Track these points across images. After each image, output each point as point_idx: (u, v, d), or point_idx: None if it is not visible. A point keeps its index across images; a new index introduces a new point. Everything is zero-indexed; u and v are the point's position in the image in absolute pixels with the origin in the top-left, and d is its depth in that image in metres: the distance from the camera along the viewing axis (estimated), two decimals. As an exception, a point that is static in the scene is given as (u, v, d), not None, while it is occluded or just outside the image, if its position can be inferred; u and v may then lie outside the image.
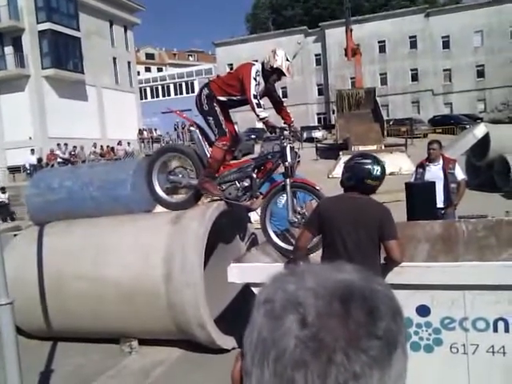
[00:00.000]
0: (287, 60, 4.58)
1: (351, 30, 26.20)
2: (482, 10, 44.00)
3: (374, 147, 22.16)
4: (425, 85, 46.01)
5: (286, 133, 4.38)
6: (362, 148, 22.02)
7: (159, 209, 5.68)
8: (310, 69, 50.36)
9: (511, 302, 2.88)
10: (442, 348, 2.99)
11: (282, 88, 50.61)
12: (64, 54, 30.25)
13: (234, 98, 4.67)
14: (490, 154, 13.49)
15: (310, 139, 32.64)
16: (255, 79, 4.39)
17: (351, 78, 37.92)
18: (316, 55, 50.27)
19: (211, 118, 4.61)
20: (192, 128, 4.91)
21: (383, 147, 22.82)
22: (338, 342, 0.48)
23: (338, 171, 20.36)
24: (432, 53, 45.53)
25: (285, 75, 4.61)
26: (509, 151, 13.34)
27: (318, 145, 28.16)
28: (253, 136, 36.22)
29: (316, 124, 45.66)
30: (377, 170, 3.08)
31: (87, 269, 4.70)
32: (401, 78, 46.38)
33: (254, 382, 0.51)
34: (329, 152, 25.94)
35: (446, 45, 46.00)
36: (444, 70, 46.16)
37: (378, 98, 26.58)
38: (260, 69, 4.55)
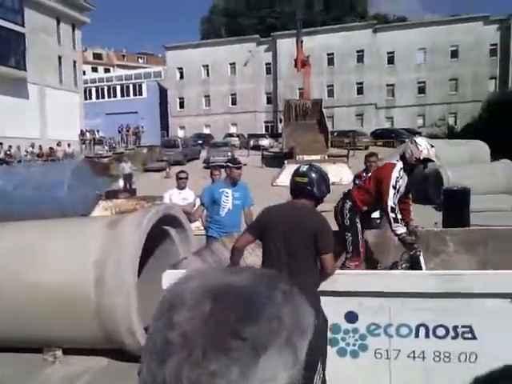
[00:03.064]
0: (432, 146, 4.18)
1: (301, 42, 26.77)
2: (427, 28, 46.25)
3: (318, 157, 22.65)
4: (369, 98, 47.66)
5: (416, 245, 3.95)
6: (306, 157, 22.46)
7: (97, 213, 5.54)
8: (260, 77, 50.92)
9: (432, 309, 3.04)
10: (367, 353, 3.10)
11: (232, 95, 50.91)
12: (5, 49, 28.81)
13: (373, 207, 4.35)
14: (426, 168, 14.13)
15: (257, 147, 32.95)
16: (394, 187, 3.94)
17: (299, 89, 38.63)
18: (267, 64, 50.94)
19: (350, 235, 4.11)
20: None
21: (327, 157, 23.38)
22: (197, 340, 0.49)
23: (283, 179, 20.74)
24: (378, 68, 47.29)
25: (433, 161, 4.30)
26: (443, 166, 14.08)
27: (264, 153, 28.47)
28: (199, 142, 36.09)
29: (263, 132, 46.18)
30: (303, 167, 3.20)
31: (12, 273, 4.48)
32: (347, 91, 47.81)
33: (140, 379, 0.54)
34: (274, 160, 26.26)
35: (390, 60, 47.94)
36: (388, 85, 48.07)
37: (324, 110, 27.23)
38: (402, 168, 4.07)
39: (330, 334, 3.14)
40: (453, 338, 3.01)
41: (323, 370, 2.79)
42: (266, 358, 0.50)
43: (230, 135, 41.70)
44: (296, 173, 3.24)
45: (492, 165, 16.00)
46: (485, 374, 0.87)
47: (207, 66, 51.02)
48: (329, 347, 3.08)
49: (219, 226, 5.53)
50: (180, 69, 51.92)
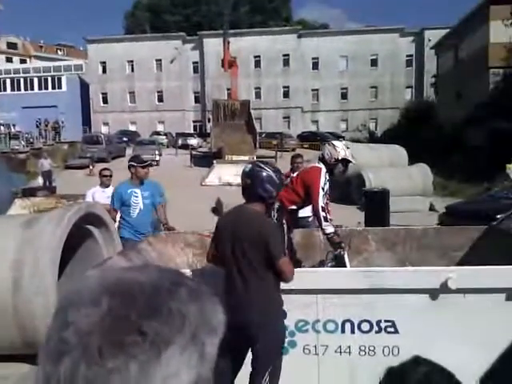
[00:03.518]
0: (347, 148, 4.41)
1: (229, 43, 26.78)
2: (349, 37, 48.23)
3: (247, 158, 22.80)
4: (295, 102, 48.84)
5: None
6: (235, 158, 22.57)
7: (13, 212, 5.15)
8: (187, 75, 50.37)
9: (358, 305, 3.14)
10: (296, 350, 3.15)
11: (158, 92, 49.91)
12: None
13: (300, 206, 4.47)
14: (349, 171, 14.74)
15: (185, 146, 32.57)
16: (323, 189, 4.13)
17: (227, 89, 38.69)
18: (194, 63, 50.51)
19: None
20: None
21: (255, 158, 23.60)
22: (93, 337, 0.48)
23: (211, 179, 20.73)
24: (302, 72, 48.57)
25: (351, 162, 4.41)
26: (364, 168, 14.77)
27: (193, 152, 28.22)
28: (125, 139, 35.00)
29: (192, 131, 45.76)
30: (247, 166, 3.07)
31: None
32: (273, 94, 48.65)
33: (34, 381, 0.52)
34: (203, 160, 26.11)
35: (315, 66, 49.45)
36: (313, 90, 49.53)
37: (252, 111, 27.48)
38: (325, 171, 4.25)
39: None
40: (376, 332, 3.13)
41: (272, 375, 2.78)
42: (169, 355, 0.49)
43: (157, 133, 40.93)
44: (242, 173, 3.07)
45: (409, 168, 17.00)
46: (397, 368, 0.92)
47: (132, 61, 49.64)
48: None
49: (132, 226, 5.40)
50: (103, 63, 50.05)
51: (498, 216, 7.39)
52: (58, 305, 0.54)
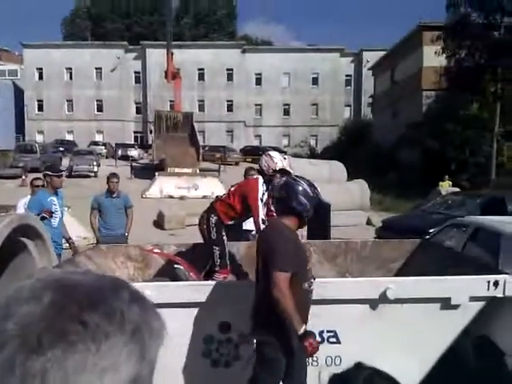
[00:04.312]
0: (284, 158, 4.35)
1: (172, 54, 26.56)
2: (291, 54, 49.48)
3: (190, 170, 22.66)
4: (238, 116, 49.23)
5: None
6: (177, 170, 22.30)
7: None
8: (128, 85, 49.52)
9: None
10: (239, 362, 3.12)
11: (98, 101, 48.60)
12: None
13: (238, 220, 4.41)
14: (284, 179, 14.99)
15: (126, 157, 31.82)
16: (262, 200, 4.10)
17: (170, 101, 38.33)
18: (136, 72, 49.79)
19: (217, 248, 4.16)
20: (178, 266, 4.24)
21: (198, 171, 23.48)
22: (33, 327, 0.49)
23: (153, 191, 20.32)
24: (246, 87, 49.14)
25: (288, 172, 4.24)
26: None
27: (134, 163, 27.60)
28: (61, 148, 33.68)
29: (132, 142, 44.83)
30: (281, 179, 3.05)
31: None
32: (217, 107, 48.80)
33: None
34: (144, 171, 25.59)
35: (258, 81, 50.20)
36: (256, 105, 50.19)
37: (195, 124, 27.35)
38: (262, 181, 4.21)
39: (203, 346, 3.10)
40: (319, 342, 3.17)
41: None
42: (108, 347, 0.50)
43: (96, 143, 39.72)
44: (276, 186, 3.00)
45: (348, 184, 17.53)
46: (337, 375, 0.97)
47: (70, 68, 48.12)
48: (203, 358, 3.03)
49: (53, 235, 5.21)
50: (39, 69, 48.16)
51: (431, 230, 7.77)
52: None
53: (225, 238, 4.23)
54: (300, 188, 2.83)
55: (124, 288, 0.57)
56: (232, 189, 4.46)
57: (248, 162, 33.69)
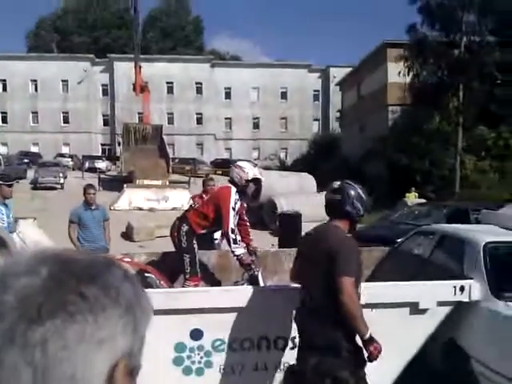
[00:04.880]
0: (254, 166, 4.55)
1: (140, 67, 26.42)
2: (260, 69, 50.05)
3: (159, 182, 22.42)
4: (208, 129, 49.25)
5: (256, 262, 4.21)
6: (147, 182, 22.05)
7: None
8: (95, 98, 49.00)
9: (273, 322, 3.17)
10: (212, 370, 3.09)
11: (64, 113, 47.79)
12: None
13: (210, 230, 4.47)
14: (262, 197, 15.12)
15: (93, 169, 31.29)
16: (234, 209, 4.12)
17: (139, 113, 38.01)
18: (103, 85, 49.33)
19: (188, 256, 4.15)
20: (148, 274, 4.16)
21: (167, 183, 23.27)
22: (33, 298, 0.50)
23: (122, 203, 19.99)
24: (215, 100, 49.31)
25: (261, 181, 4.39)
26: (276, 195, 15.22)
27: (102, 176, 27.15)
28: (26, 160, 32.81)
29: (100, 154, 44.16)
30: (335, 183, 3.00)
31: None
32: (187, 120, 48.72)
33: None
34: (112, 184, 25.18)
35: (227, 95, 50.47)
36: (225, 118, 50.39)
37: (164, 136, 27.18)
38: (236, 190, 4.23)
39: (174, 354, 3.06)
40: (291, 348, 3.18)
41: None
42: (105, 318, 0.52)
43: (62, 155, 38.93)
44: (329, 189, 3.01)
45: (318, 195, 17.74)
46: None
47: (36, 80, 47.24)
48: (174, 367, 2.99)
49: None
50: (3, 81, 47.15)
51: (398, 240, 7.93)
52: None
53: (195, 246, 4.24)
54: (354, 192, 2.87)
55: (116, 266, 0.58)
56: (205, 198, 4.47)
57: (218, 174, 33.65)
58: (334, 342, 2.56)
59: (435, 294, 3.32)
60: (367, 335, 2.52)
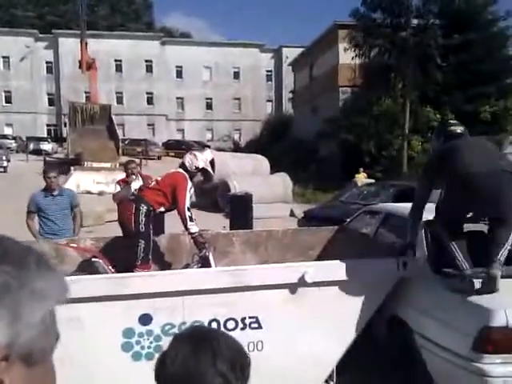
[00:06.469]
0: (211, 160, 4.47)
1: (86, 44, 25.40)
2: (212, 48, 49.29)
3: (109, 165, 21.85)
4: (159, 109, 48.24)
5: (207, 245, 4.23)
6: (95, 165, 21.42)
7: None
8: (40, 76, 46.74)
9: (223, 304, 3.19)
10: (162, 354, 3.07)
11: (6, 92, 45.40)
12: None
13: (167, 208, 4.36)
14: (215, 179, 15.05)
15: (38, 151, 30.06)
16: (189, 191, 4.23)
17: (86, 92, 36.65)
18: (47, 62, 47.10)
19: (143, 242, 4.03)
20: (95, 259, 3.96)
21: (118, 165, 22.68)
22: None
23: (69, 187, 19.25)
24: (166, 80, 48.24)
25: (210, 174, 4.47)
26: (230, 176, 15.22)
27: (47, 158, 26.12)
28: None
29: (45, 135, 42.40)
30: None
31: None
32: (136, 100, 47.49)
33: None
34: (59, 166, 24.31)
35: (179, 74, 49.48)
36: (177, 98, 49.48)
37: (113, 116, 26.38)
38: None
39: (123, 339, 3.02)
40: (242, 329, 3.21)
41: None
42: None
43: (5, 137, 37.11)
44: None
45: (271, 177, 17.89)
46: None
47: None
48: (123, 353, 2.96)
49: None
50: None
51: (348, 219, 8.15)
52: None
53: (151, 231, 4.15)
54: None
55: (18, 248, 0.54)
56: (158, 178, 4.42)
57: (171, 156, 33.16)
58: None
59: (379, 270, 3.44)
60: None
